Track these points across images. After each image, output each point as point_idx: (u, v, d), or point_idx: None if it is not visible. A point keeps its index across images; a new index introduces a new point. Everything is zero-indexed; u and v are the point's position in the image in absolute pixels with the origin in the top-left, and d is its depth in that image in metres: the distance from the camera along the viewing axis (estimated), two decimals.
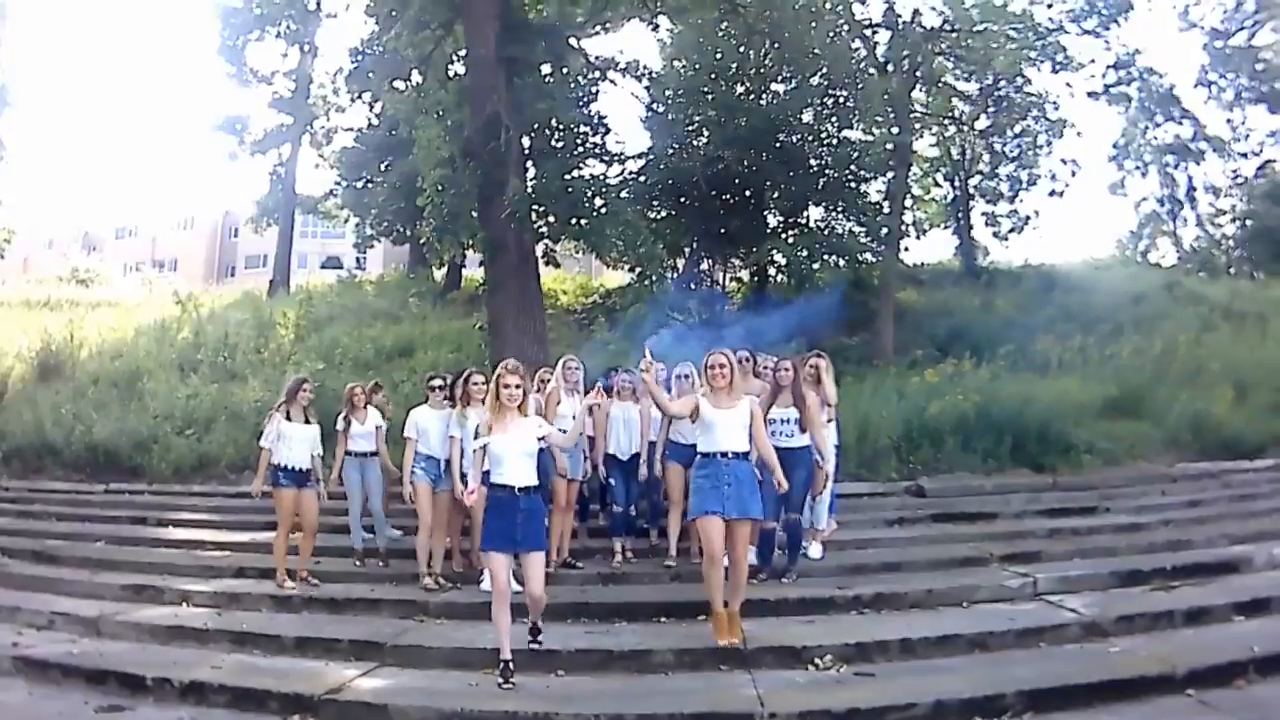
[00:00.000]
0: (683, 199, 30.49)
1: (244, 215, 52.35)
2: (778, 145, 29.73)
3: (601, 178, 27.73)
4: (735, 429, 9.77)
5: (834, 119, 31.07)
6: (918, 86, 33.65)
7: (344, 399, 14.81)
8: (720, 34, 30.35)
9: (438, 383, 13.54)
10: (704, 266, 33.06)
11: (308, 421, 13.29)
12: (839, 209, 30.33)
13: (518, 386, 9.28)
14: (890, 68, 31.81)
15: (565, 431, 10.68)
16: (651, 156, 31.10)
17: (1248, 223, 44.96)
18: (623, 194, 27.63)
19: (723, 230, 29.68)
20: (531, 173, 25.82)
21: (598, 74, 28.47)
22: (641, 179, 30.72)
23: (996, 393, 19.69)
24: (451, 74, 29.24)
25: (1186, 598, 10.69)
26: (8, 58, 32.99)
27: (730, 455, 9.67)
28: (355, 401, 14.56)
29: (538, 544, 9.24)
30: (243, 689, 9.07)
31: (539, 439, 9.38)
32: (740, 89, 30.96)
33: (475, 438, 9.90)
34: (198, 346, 28.27)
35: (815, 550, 13.14)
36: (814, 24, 29.32)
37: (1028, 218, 36.52)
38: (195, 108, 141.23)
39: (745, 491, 9.61)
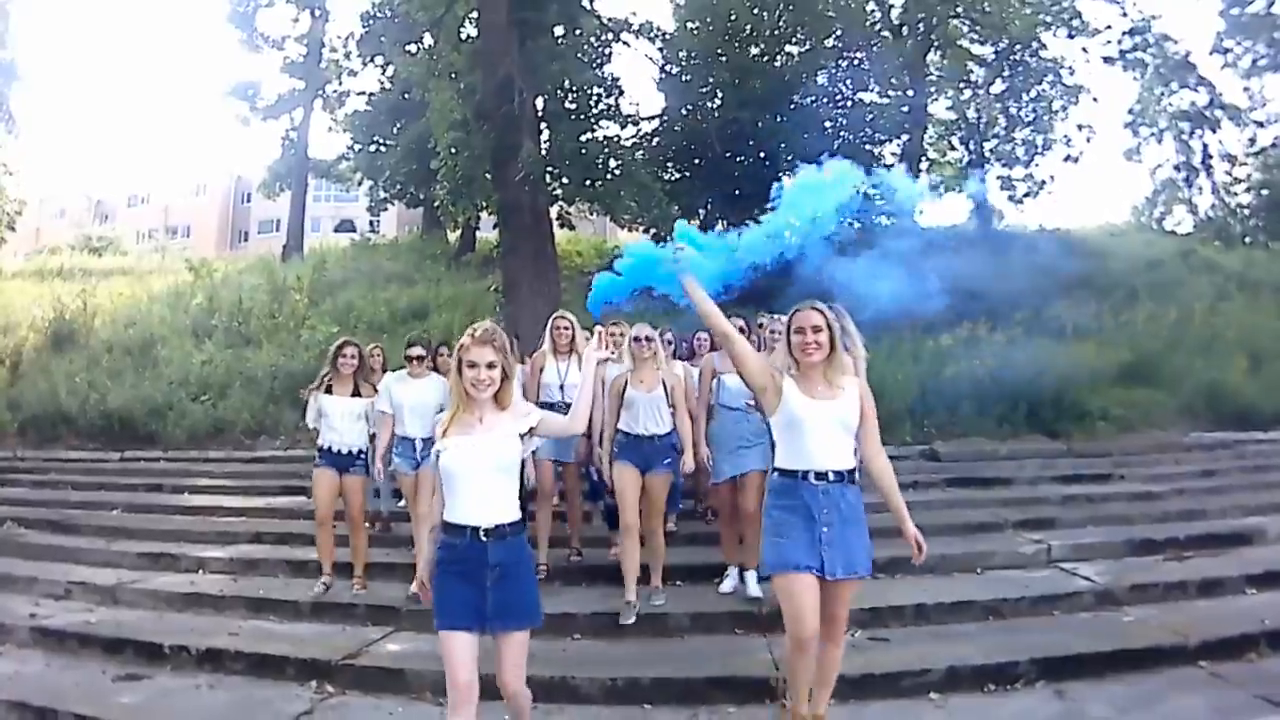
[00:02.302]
0: (697, 161, 30.46)
1: (256, 180, 52.30)
2: (792, 107, 29.63)
3: (615, 140, 27.74)
4: (837, 435, 6.29)
5: (848, 81, 30.99)
6: (933, 49, 33.53)
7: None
8: None
9: (417, 351, 11.49)
10: (718, 228, 33.05)
11: (357, 393, 11.34)
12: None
13: (491, 366, 5.80)
14: (905, 30, 31.72)
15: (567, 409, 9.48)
16: (665, 118, 31.07)
17: (1263, 192, 44.66)
18: (636, 156, 27.62)
19: (737, 192, 29.34)
20: (545, 135, 25.84)
21: (611, 36, 28.46)
22: (655, 141, 30.70)
23: (1011, 358, 19.65)
24: (464, 36, 29.23)
25: (1199, 569, 10.69)
26: (16, 30, 32.82)
27: (831, 477, 6.19)
28: (373, 364, 13.15)
29: (520, 618, 5.87)
30: (260, 655, 9.11)
31: (525, 435, 5.93)
32: (754, 51, 30.82)
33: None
34: (212, 312, 28.36)
35: None
36: None
37: (1043, 182, 36.30)
38: (206, 74, 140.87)
39: (853, 534, 6.30)
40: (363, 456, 11.35)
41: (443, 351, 12.06)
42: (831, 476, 6.27)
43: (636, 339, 10.14)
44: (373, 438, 11.42)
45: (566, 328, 11.68)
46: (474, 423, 5.84)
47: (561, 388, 11.39)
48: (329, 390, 11.36)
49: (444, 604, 5.80)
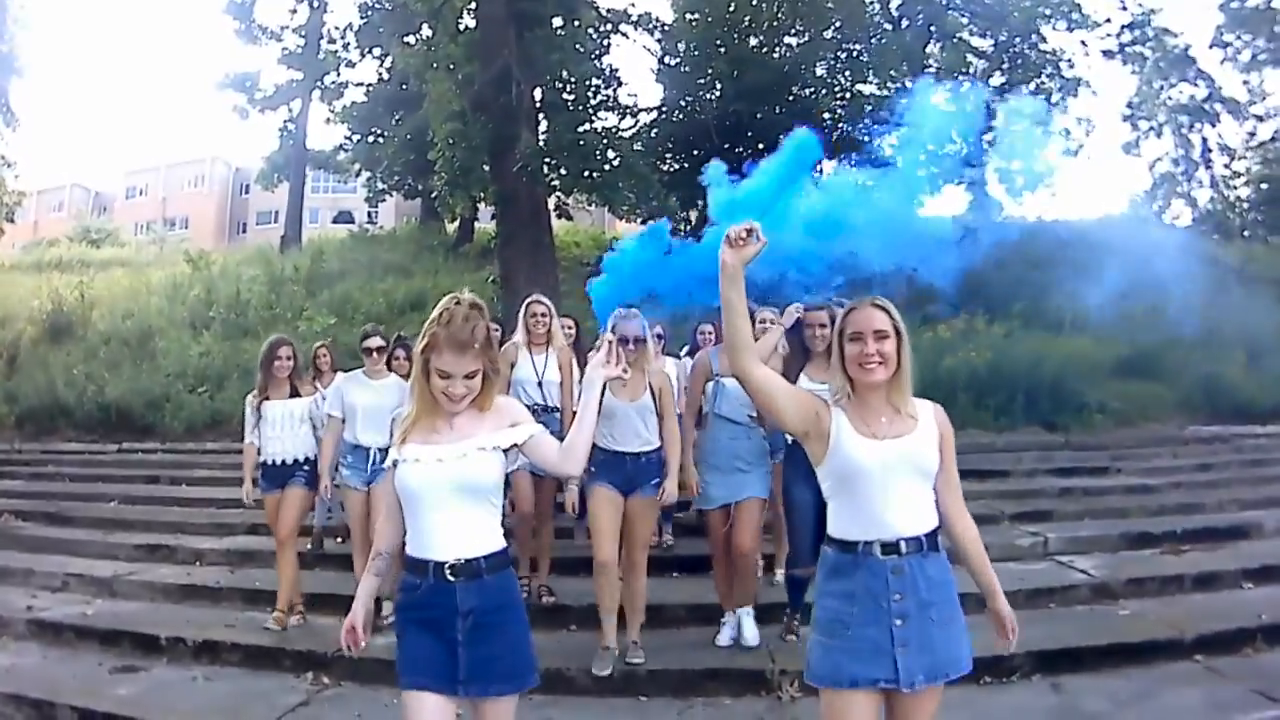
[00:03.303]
0: (695, 152, 30.44)
1: (255, 172, 52.28)
2: (790, 99, 29.61)
3: (613, 131, 27.78)
4: (912, 485, 4.49)
5: (847, 73, 31.00)
6: (932, 41, 33.51)
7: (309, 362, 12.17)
8: None
9: (375, 342, 9.95)
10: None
11: (294, 394, 10.15)
12: (852, 163, 30.26)
13: (471, 376, 4.39)
14: (904, 22, 31.71)
15: (555, 416, 9.42)
16: (664, 109, 31.09)
17: (1262, 185, 44.70)
18: (635, 147, 27.65)
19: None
20: (543, 126, 25.85)
21: (609, 27, 28.48)
22: (653, 132, 30.70)
23: (1009, 349, 19.68)
24: (462, 27, 29.20)
25: (1196, 562, 10.70)
26: (14, 23, 32.82)
27: (905, 547, 4.39)
28: (320, 365, 12.26)
29: (504, 680, 4.54)
30: (256, 647, 9.14)
31: (507, 449, 4.55)
32: (753, 42, 30.78)
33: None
34: (209, 304, 28.43)
35: None
36: None
37: (1041, 175, 36.26)
38: (204, 65, 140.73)
39: (939, 624, 4.43)
40: (306, 466, 10.02)
41: (399, 355, 10.16)
42: (906, 546, 4.36)
43: (623, 340, 7.74)
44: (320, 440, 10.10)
45: (543, 314, 10.16)
46: (442, 428, 4.46)
47: (540, 385, 9.99)
48: (266, 396, 10.10)
49: (407, 658, 4.58)
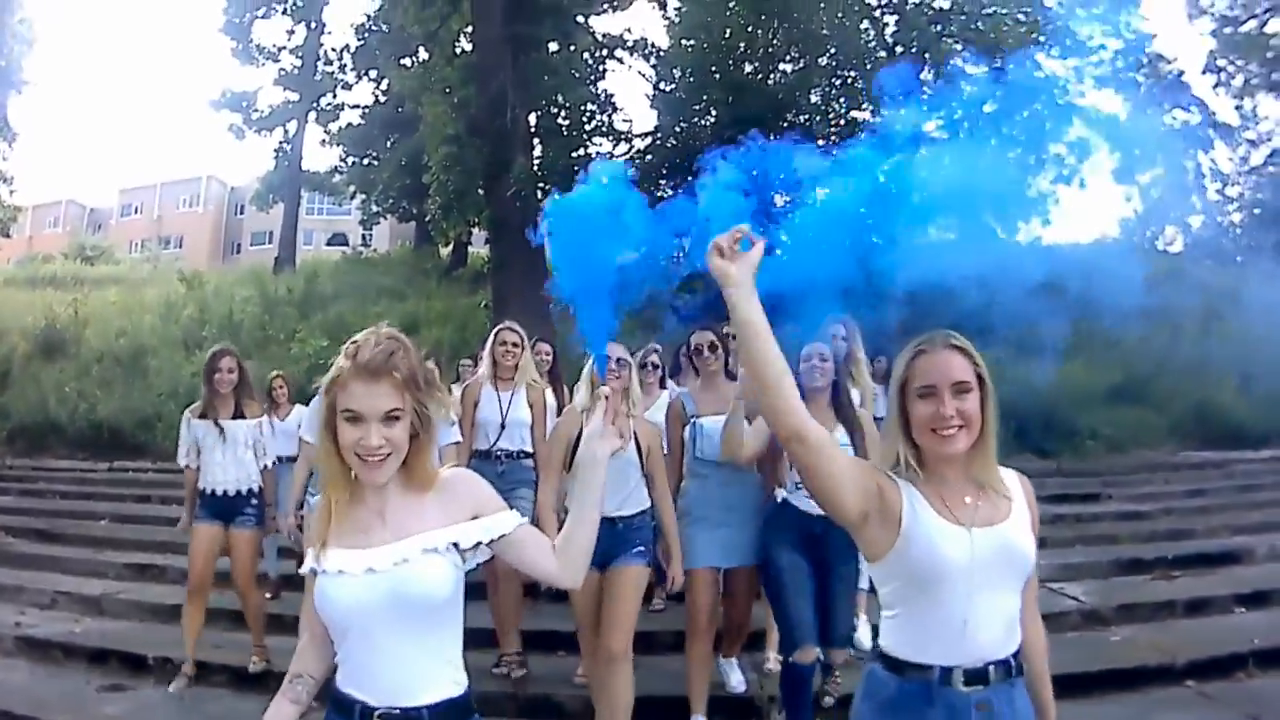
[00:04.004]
0: (690, 178, 30.51)
1: (250, 192, 52.37)
2: (785, 125, 29.67)
3: (608, 156, 27.79)
4: (1006, 589, 3.39)
5: (842, 100, 31.07)
6: (926, 69, 33.67)
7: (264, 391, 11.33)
8: (728, 13, 30.29)
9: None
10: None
11: (239, 414, 9.02)
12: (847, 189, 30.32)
13: (392, 418, 3.10)
14: (899, 50, 31.81)
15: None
16: (658, 136, 31.12)
17: (1255, 210, 44.81)
18: (629, 172, 27.71)
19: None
20: (538, 151, 25.87)
21: (605, 52, 28.58)
22: (648, 158, 30.76)
23: (1001, 376, 19.63)
24: (458, 50, 29.30)
25: (1188, 588, 10.71)
26: (11, 39, 32.92)
27: (995, 674, 3.34)
28: (276, 396, 11.71)
29: None
30: (244, 669, 9.09)
31: (467, 550, 3.28)
32: (748, 69, 30.84)
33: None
34: (203, 324, 28.45)
35: (865, 631, 8.82)
36: (823, 5, 29.30)
37: (1035, 201, 36.43)
38: (201, 83, 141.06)
39: None
40: (254, 501, 9.01)
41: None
42: (995, 673, 3.32)
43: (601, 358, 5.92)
44: (265, 472, 9.12)
45: (514, 344, 8.89)
46: (370, 522, 3.22)
47: (503, 426, 8.76)
48: (204, 415, 8.98)
49: None
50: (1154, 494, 15.98)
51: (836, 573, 6.69)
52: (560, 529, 3.49)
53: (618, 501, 6.81)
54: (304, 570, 3.29)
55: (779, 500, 6.91)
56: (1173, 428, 19.80)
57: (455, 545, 3.23)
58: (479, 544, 3.28)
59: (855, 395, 7.80)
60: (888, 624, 3.45)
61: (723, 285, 3.32)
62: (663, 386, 9.64)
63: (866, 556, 3.46)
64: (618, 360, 6.91)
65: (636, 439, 6.84)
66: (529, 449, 8.90)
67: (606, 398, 3.62)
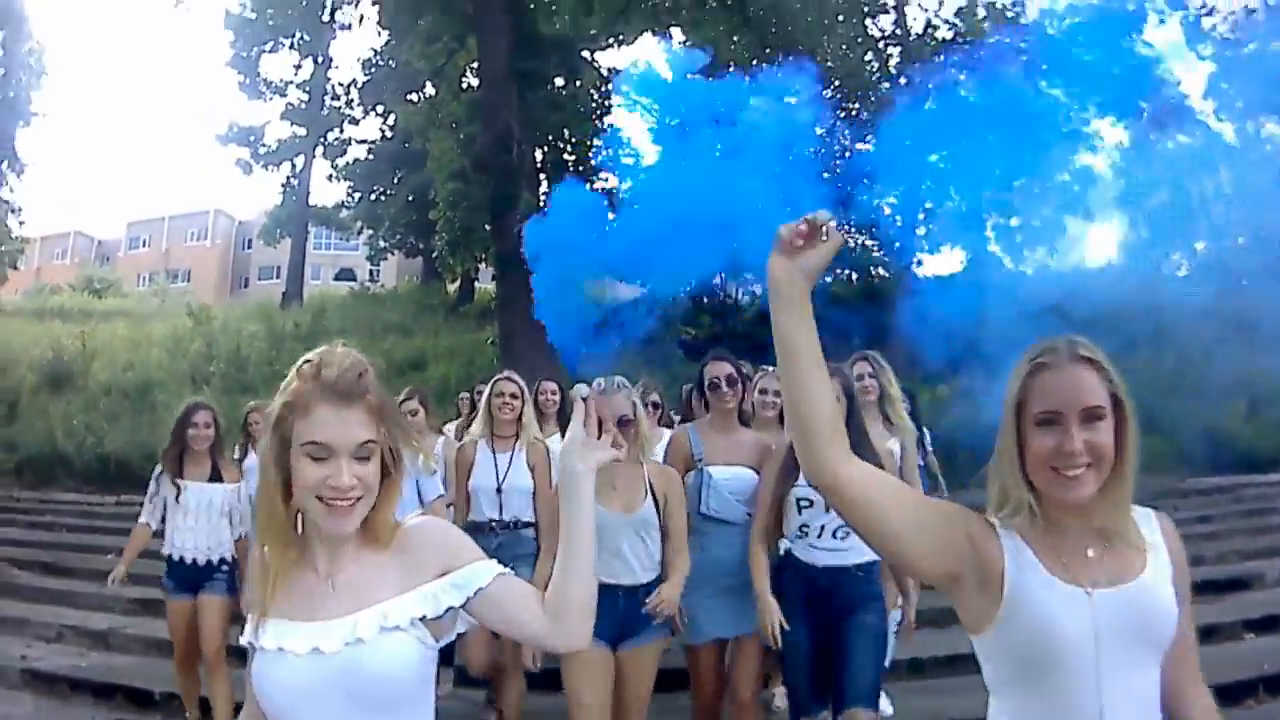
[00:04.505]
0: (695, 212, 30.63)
1: (257, 226, 52.49)
2: (790, 158, 29.76)
3: (614, 191, 27.96)
4: (1140, 663, 2.65)
5: (846, 133, 31.14)
6: (930, 100, 33.77)
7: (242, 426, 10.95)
8: (732, 46, 30.41)
9: None
10: (717, 280, 33.08)
11: (216, 477, 8.19)
12: (851, 221, 30.35)
13: (363, 457, 2.57)
14: (903, 80, 31.93)
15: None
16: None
17: (1260, 233, 44.95)
18: (634, 206, 27.81)
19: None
20: (544, 186, 25.95)
21: (610, 87, 28.64)
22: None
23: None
24: (464, 85, 29.43)
25: (1197, 614, 10.38)
26: (23, 71, 33.07)
27: None
28: (252, 431, 10.61)
29: None
30: None
31: (437, 618, 2.66)
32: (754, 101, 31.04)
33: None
34: (210, 359, 28.54)
35: (886, 707, 7.88)
36: (826, 37, 29.37)
37: (1040, 229, 36.49)
38: (209, 118, 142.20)
39: None
40: (225, 568, 8.18)
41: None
42: None
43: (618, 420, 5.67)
44: (239, 542, 8.25)
45: (513, 396, 7.91)
46: (315, 586, 2.65)
47: (499, 491, 7.70)
48: (178, 473, 8.14)
49: None
50: None
51: (852, 623, 5.77)
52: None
53: (637, 566, 5.91)
54: (243, 641, 2.71)
55: (781, 552, 6.12)
56: (1180, 454, 19.74)
57: (423, 618, 2.62)
58: (451, 609, 2.66)
59: (893, 443, 7.35)
60: (999, 703, 2.76)
61: (770, 290, 2.60)
62: (665, 425, 8.90)
63: (966, 627, 2.75)
64: (622, 419, 5.75)
65: (651, 489, 6.00)
66: (530, 518, 7.66)
67: (585, 399, 2.89)
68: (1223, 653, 9.54)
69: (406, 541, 2.68)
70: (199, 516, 7.99)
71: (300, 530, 2.67)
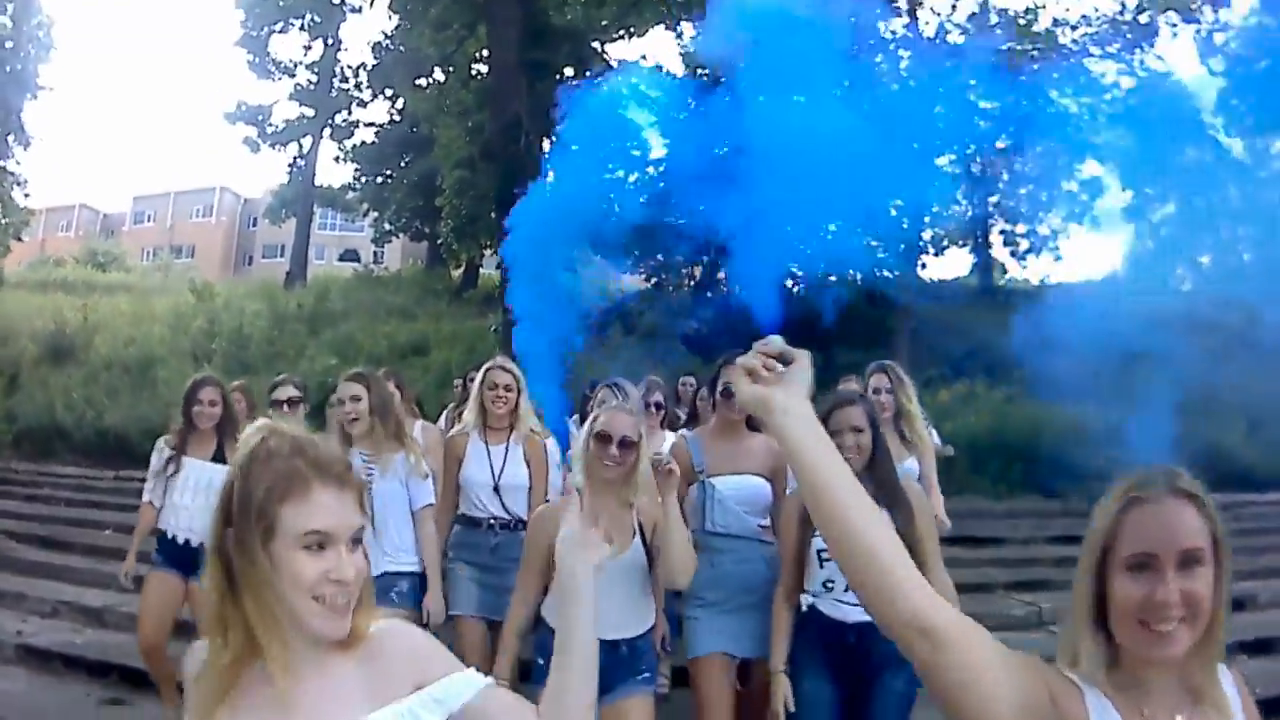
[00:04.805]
0: (702, 205, 30.58)
1: (263, 204, 52.55)
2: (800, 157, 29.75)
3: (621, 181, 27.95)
4: None
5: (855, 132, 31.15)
6: (939, 104, 33.71)
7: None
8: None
9: (287, 393, 8.43)
10: (722, 275, 33.13)
11: (220, 457, 7.64)
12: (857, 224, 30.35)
13: (346, 532, 2.26)
14: (912, 82, 31.90)
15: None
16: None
17: (1265, 251, 44.80)
18: (641, 199, 27.78)
19: None
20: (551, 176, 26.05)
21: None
22: (660, 185, 30.84)
23: (1010, 416, 19.65)
24: (474, 73, 29.40)
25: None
26: (31, 44, 33.11)
27: None
28: (244, 410, 9.26)
29: None
30: None
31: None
32: (762, 99, 31.00)
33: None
34: (212, 336, 28.52)
35: None
36: None
37: (1046, 238, 36.40)
38: (217, 95, 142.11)
39: None
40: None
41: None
42: None
43: (603, 439, 5.22)
44: None
45: (508, 387, 7.34)
46: (271, 704, 2.23)
47: (496, 490, 7.20)
48: (180, 449, 7.82)
49: None
50: None
51: (881, 687, 5.30)
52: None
53: (619, 618, 5.21)
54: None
55: (803, 608, 5.48)
56: (1195, 469, 19.78)
57: None
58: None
59: (910, 462, 7.22)
60: None
61: (764, 416, 2.35)
62: (668, 428, 8.57)
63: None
64: (623, 442, 5.22)
65: (640, 530, 5.34)
66: (524, 516, 7.05)
67: (579, 489, 2.59)
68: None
69: (374, 648, 2.34)
70: (197, 495, 7.52)
71: (272, 627, 2.22)
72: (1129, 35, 32.33)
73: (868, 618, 4.39)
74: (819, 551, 5.35)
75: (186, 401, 7.73)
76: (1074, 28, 32.45)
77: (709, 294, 31.33)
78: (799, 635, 5.49)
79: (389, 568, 6.58)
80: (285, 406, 7.91)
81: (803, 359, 2.35)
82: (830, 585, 5.35)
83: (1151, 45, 32.61)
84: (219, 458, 7.60)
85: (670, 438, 7.59)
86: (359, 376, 6.87)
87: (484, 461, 7.21)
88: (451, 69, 30.38)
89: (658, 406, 8.53)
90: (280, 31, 40.72)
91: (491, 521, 7.15)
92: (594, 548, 2.66)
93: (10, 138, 32.85)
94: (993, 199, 37.71)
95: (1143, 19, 32.01)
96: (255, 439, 2.32)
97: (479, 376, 7.50)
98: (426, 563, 6.75)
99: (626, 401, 6.03)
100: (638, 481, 5.29)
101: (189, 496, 7.61)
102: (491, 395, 7.26)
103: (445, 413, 10.37)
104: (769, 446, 6.09)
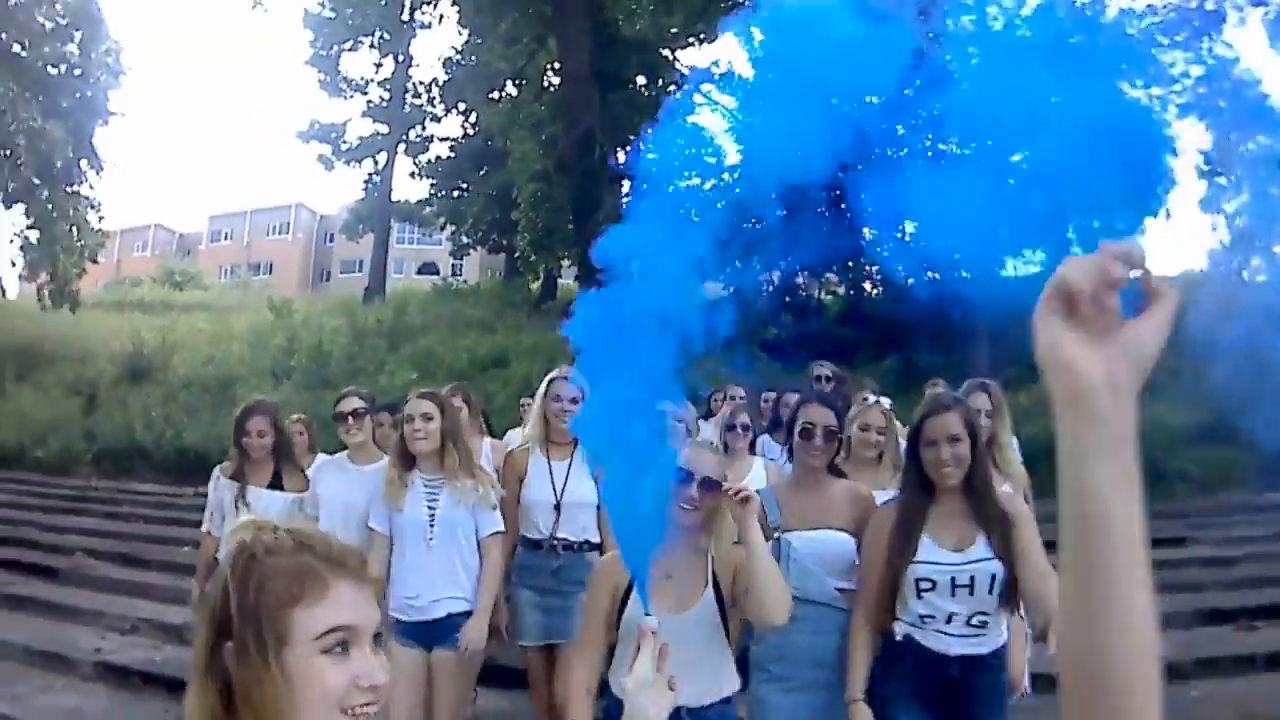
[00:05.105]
0: (778, 211, 30.48)
1: (339, 220, 52.97)
2: (873, 156, 29.58)
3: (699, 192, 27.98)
4: None
5: (930, 134, 30.95)
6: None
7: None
8: None
9: (352, 404, 7.43)
10: (800, 279, 32.97)
11: (278, 484, 7.37)
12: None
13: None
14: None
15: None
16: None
17: None
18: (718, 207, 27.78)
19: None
20: (626, 188, 26.10)
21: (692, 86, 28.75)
22: (736, 191, 30.79)
23: None
24: (546, 85, 29.51)
25: (1269, 641, 10.42)
26: (101, 70, 33.58)
27: None
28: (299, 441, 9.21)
29: None
30: None
31: None
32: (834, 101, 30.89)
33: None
34: (291, 353, 28.68)
35: None
36: None
37: (1122, 232, 36.10)
38: (290, 114, 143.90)
39: None
40: None
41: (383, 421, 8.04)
42: None
43: (683, 480, 4.25)
44: None
45: (574, 400, 6.67)
46: None
47: (557, 508, 6.65)
48: (239, 478, 7.36)
49: None
50: (1238, 538, 15.63)
51: None
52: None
53: (700, 685, 4.28)
54: None
55: (897, 638, 4.76)
56: (1261, 467, 19.44)
57: None
58: None
59: (1006, 488, 5.70)
60: None
61: (1071, 404, 1.61)
62: (754, 452, 7.67)
63: None
64: (703, 484, 4.28)
65: (715, 581, 4.36)
66: (595, 538, 6.71)
67: (654, 632, 2.39)
68: None
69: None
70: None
71: None
72: (1196, 23, 32.03)
73: (973, 650, 4.58)
74: (917, 581, 4.65)
75: (236, 431, 7.40)
76: (1140, 18, 32.22)
77: (786, 299, 31.18)
78: (889, 668, 4.82)
79: (455, 608, 6.12)
80: (350, 419, 7.21)
81: (1168, 300, 1.34)
82: (927, 620, 4.66)
83: (1220, 32, 32.26)
84: (275, 484, 7.32)
85: (758, 465, 7.18)
86: (432, 395, 6.43)
87: (545, 478, 6.72)
88: (523, 82, 30.55)
89: (744, 428, 7.38)
90: (350, 50, 41.05)
91: (553, 543, 6.65)
92: (664, 696, 2.41)
93: (83, 163, 33.25)
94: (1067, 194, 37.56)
95: (1209, 4, 31.67)
96: (246, 536, 1.98)
97: (542, 387, 7.02)
98: (481, 589, 6.21)
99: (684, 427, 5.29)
100: (720, 530, 4.38)
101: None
102: (556, 408, 6.74)
103: (516, 434, 9.67)
104: (852, 493, 5.40)
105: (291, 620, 1.81)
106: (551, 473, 6.70)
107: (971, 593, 4.56)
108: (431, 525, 6.07)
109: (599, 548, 6.58)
